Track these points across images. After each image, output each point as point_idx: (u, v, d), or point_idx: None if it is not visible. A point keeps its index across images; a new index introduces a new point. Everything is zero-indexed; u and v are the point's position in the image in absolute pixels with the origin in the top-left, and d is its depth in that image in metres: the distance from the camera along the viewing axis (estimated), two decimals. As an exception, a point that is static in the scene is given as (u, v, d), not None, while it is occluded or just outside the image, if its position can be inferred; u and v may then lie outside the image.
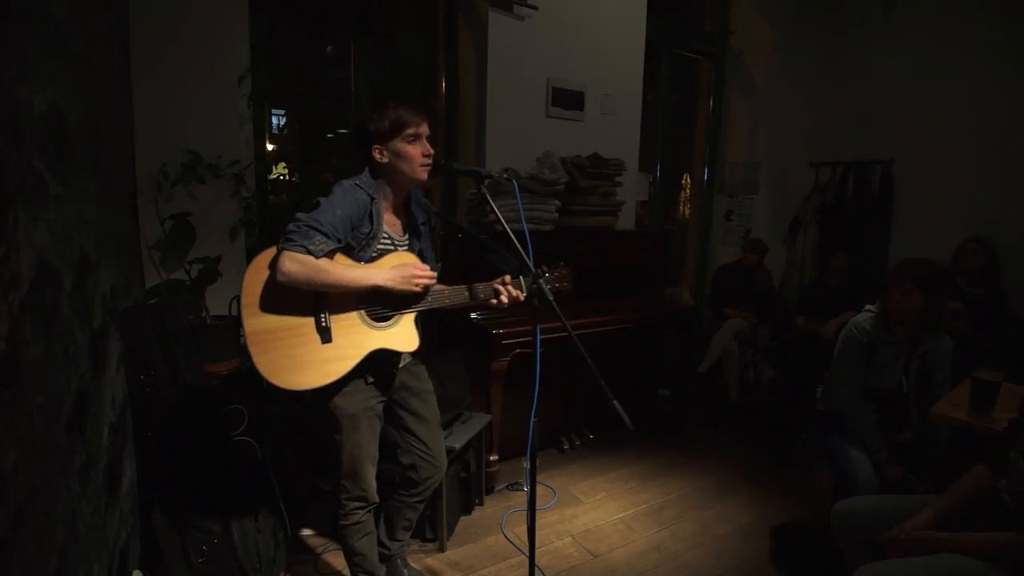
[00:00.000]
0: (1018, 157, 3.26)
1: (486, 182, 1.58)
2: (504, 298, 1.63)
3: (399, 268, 1.54)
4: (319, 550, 2.18)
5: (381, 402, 1.70)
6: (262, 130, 2.79)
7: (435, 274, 1.60)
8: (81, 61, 1.49)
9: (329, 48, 3.24)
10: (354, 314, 1.55)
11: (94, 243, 1.53)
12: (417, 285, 1.55)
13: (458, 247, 2.73)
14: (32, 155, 1.10)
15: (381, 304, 1.58)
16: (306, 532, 2.28)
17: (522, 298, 1.65)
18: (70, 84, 1.37)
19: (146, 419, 1.85)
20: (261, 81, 2.61)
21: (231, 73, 2.44)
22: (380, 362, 1.61)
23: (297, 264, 1.39)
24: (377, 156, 1.57)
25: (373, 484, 1.70)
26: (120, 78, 2.09)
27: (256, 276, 1.44)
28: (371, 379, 1.63)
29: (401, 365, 1.73)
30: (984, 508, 1.48)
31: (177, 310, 2.07)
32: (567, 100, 3.38)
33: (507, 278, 1.65)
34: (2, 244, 0.94)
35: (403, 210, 1.69)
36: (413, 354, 1.72)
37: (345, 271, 1.47)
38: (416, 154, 1.56)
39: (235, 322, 2.34)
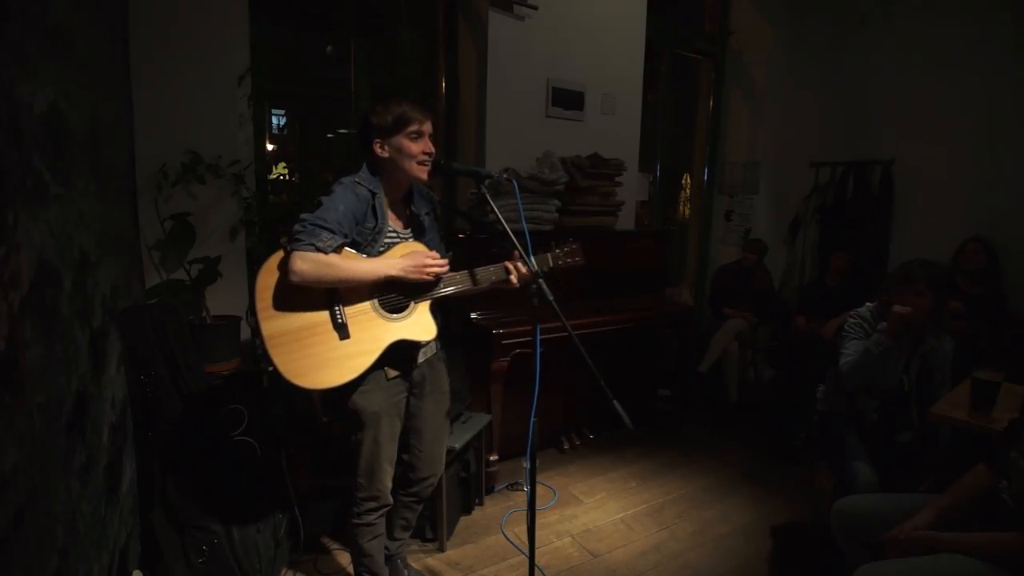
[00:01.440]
0: (1018, 157, 3.26)
1: (486, 182, 1.58)
2: (514, 278, 1.62)
3: (410, 256, 1.54)
4: (320, 549, 2.18)
5: (403, 398, 1.70)
6: (262, 130, 2.78)
7: (446, 261, 1.59)
8: (81, 61, 1.49)
9: (329, 48, 3.24)
10: (368, 307, 1.55)
11: (94, 243, 1.53)
12: (428, 273, 1.55)
13: (461, 247, 2.73)
14: (32, 155, 1.10)
15: (394, 294, 1.58)
16: (306, 532, 2.27)
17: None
18: (70, 84, 1.37)
19: (146, 419, 1.85)
20: (261, 81, 2.60)
21: (231, 73, 2.44)
22: (400, 355, 1.61)
23: (308, 262, 1.40)
24: (378, 150, 1.56)
25: (388, 485, 1.71)
26: (120, 78, 2.09)
27: (267, 280, 1.45)
28: (394, 373, 1.63)
29: (422, 360, 1.72)
30: (984, 508, 1.48)
31: (177, 310, 2.07)
32: (567, 100, 3.38)
33: (516, 253, 1.62)
34: (2, 244, 0.94)
35: (403, 205, 1.69)
36: (435, 343, 1.73)
37: (356, 264, 1.48)
38: (417, 151, 1.56)
39: (237, 323, 2.34)
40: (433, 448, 1.83)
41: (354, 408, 1.59)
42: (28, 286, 1.05)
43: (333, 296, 1.50)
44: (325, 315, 1.49)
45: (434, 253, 1.59)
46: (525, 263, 1.61)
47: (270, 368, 1.43)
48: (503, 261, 1.65)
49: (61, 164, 1.28)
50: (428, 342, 1.69)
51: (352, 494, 1.70)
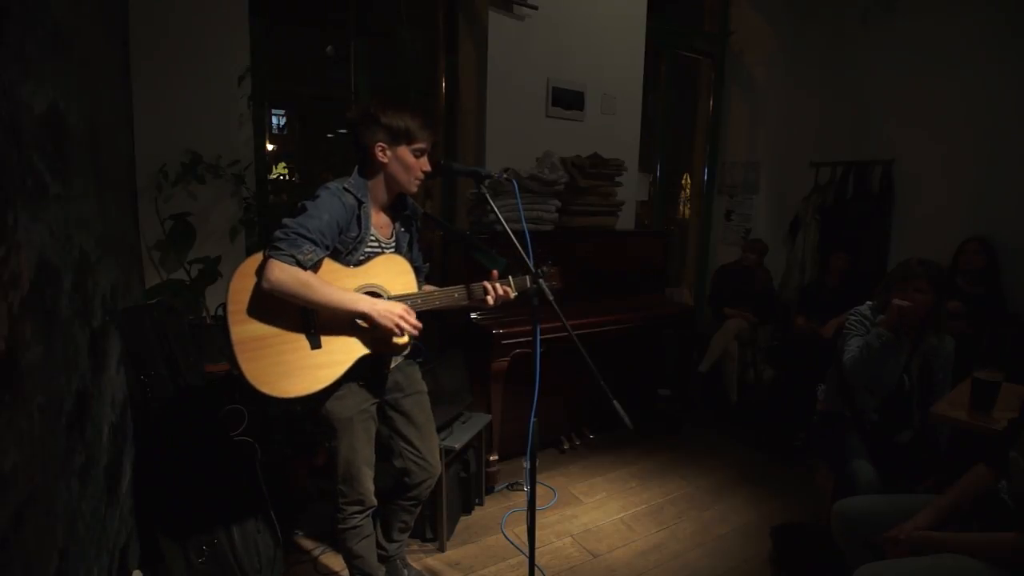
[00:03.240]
0: (1018, 157, 3.26)
1: (486, 182, 1.57)
2: (490, 298, 1.60)
3: (390, 304, 1.49)
4: (318, 550, 2.18)
5: (374, 404, 1.68)
6: (262, 130, 2.79)
7: (419, 325, 1.53)
8: (81, 61, 1.49)
9: (329, 48, 3.25)
10: (344, 320, 1.52)
11: (94, 243, 1.53)
12: (398, 328, 1.48)
13: (461, 248, 2.73)
14: (32, 155, 1.10)
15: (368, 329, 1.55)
16: (305, 532, 2.28)
17: (512, 296, 1.63)
18: (70, 84, 1.37)
19: (146, 419, 1.85)
20: (261, 81, 2.61)
21: (231, 73, 2.44)
22: (369, 367, 1.59)
23: (285, 274, 1.36)
24: (379, 154, 1.53)
25: (370, 487, 1.69)
26: (120, 78, 2.09)
27: (243, 283, 1.41)
28: (362, 382, 1.62)
29: (393, 365, 1.71)
30: (984, 508, 1.48)
31: (177, 310, 2.07)
32: (567, 100, 3.38)
33: (494, 273, 1.63)
34: (2, 244, 0.94)
35: (390, 212, 1.67)
36: (405, 355, 1.71)
37: (333, 292, 1.42)
38: (418, 168, 1.56)
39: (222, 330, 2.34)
40: (425, 450, 1.81)
41: (326, 414, 1.57)
42: (28, 286, 1.05)
43: (308, 309, 1.47)
44: (298, 323, 1.45)
45: (412, 313, 1.52)
46: (506, 284, 1.61)
47: (235, 373, 1.40)
48: (483, 281, 1.63)
49: (61, 164, 1.28)
50: (393, 357, 1.67)
51: (334, 500, 1.69)
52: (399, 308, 1.49)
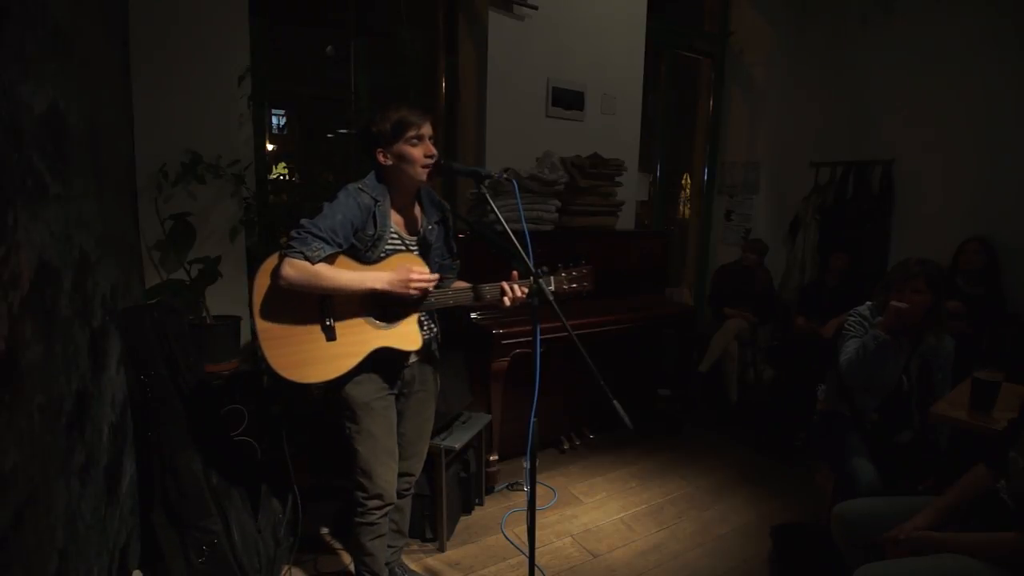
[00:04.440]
0: (1018, 157, 3.26)
1: (486, 182, 1.57)
2: (507, 299, 1.60)
3: (396, 271, 1.54)
4: (320, 549, 2.18)
5: (391, 394, 1.71)
6: (262, 130, 2.78)
7: (434, 277, 1.59)
8: (81, 61, 1.49)
9: (329, 48, 3.24)
10: (359, 312, 1.57)
11: (94, 243, 1.53)
12: (414, 288, 1.54)
13: (463, 246, 2.72)
14: (32, 155, 1.10)
15: (386, 306, 1.60)
16: (306, 531, 2.27)
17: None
18: (70, 84, 1.37)
19: (146, 419, 1.85)
20: (261, 81, 2.60)
21: (231, 73, 2.44)
22: (387, 360, 1.63)
23: (295, 270, 1.43)
24: (381, 159, 1.58)
25: (392, 481, 1.71)
26: (120, 78, 2.09)
27: (265, 280, 1.49)
28: (380, 372, 1.65)
29: (413, 360, 1.74)
30: (984, 508, 1.48)
31: (177, 310, 2.06)
32: (567, 100, 3.38)
33: (515, 274, 1.62)
34: (2, 244, 0.94)
35: (413, 209, 1.70)
36: (419, 355, 1.74)
37: (342, 275, 1.49)
38: (419, 156, 1.57)
39: (237, 323, 2.34)
40: (413, 446, 1.83)
41: (345, 398, 1.62)
42: (28, 286, 1.05)
43: (325, 301, 1.54)
44: (315, 317, 1.54)
45: (423, 268, 1.57)
46: (521, 285, 1.59)
47: (260, 360, 1.50)
48: (500, 281, 1.62)
49: (61, 164, 1.28)
50: (412, 352, 1.68)
51: (353, 493, 1.70)
52: (405, 272, 1.53)
